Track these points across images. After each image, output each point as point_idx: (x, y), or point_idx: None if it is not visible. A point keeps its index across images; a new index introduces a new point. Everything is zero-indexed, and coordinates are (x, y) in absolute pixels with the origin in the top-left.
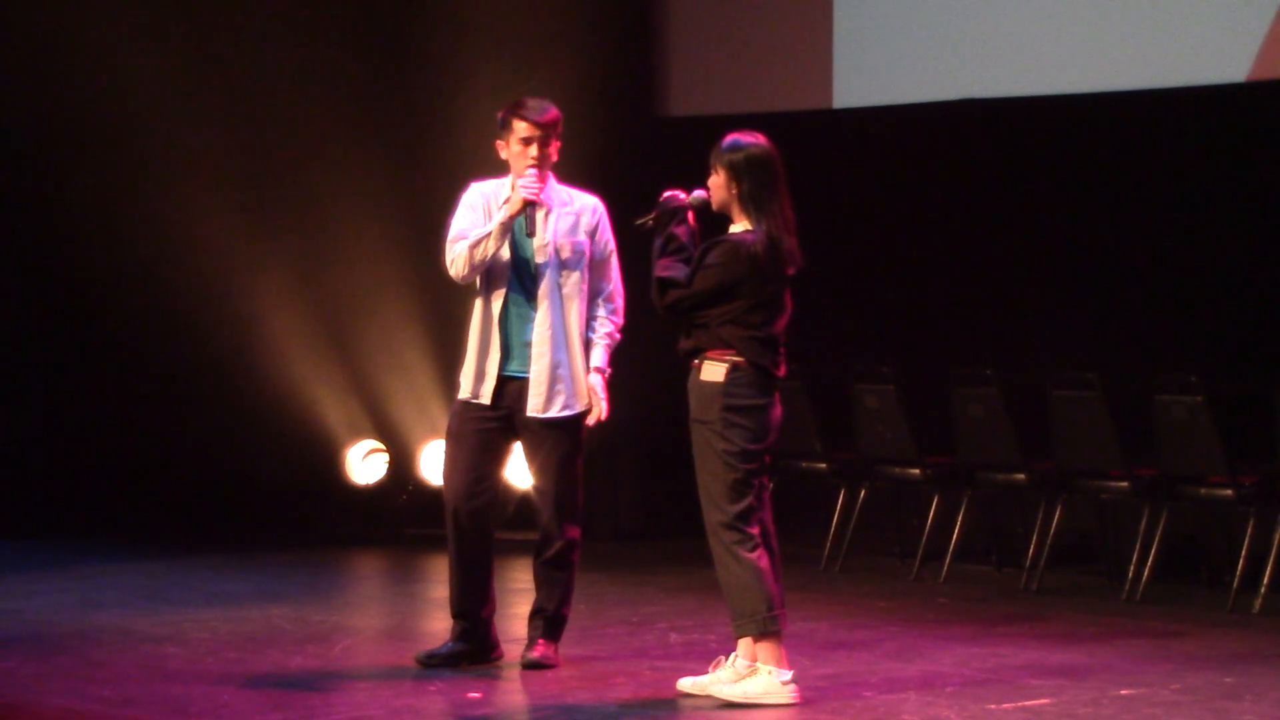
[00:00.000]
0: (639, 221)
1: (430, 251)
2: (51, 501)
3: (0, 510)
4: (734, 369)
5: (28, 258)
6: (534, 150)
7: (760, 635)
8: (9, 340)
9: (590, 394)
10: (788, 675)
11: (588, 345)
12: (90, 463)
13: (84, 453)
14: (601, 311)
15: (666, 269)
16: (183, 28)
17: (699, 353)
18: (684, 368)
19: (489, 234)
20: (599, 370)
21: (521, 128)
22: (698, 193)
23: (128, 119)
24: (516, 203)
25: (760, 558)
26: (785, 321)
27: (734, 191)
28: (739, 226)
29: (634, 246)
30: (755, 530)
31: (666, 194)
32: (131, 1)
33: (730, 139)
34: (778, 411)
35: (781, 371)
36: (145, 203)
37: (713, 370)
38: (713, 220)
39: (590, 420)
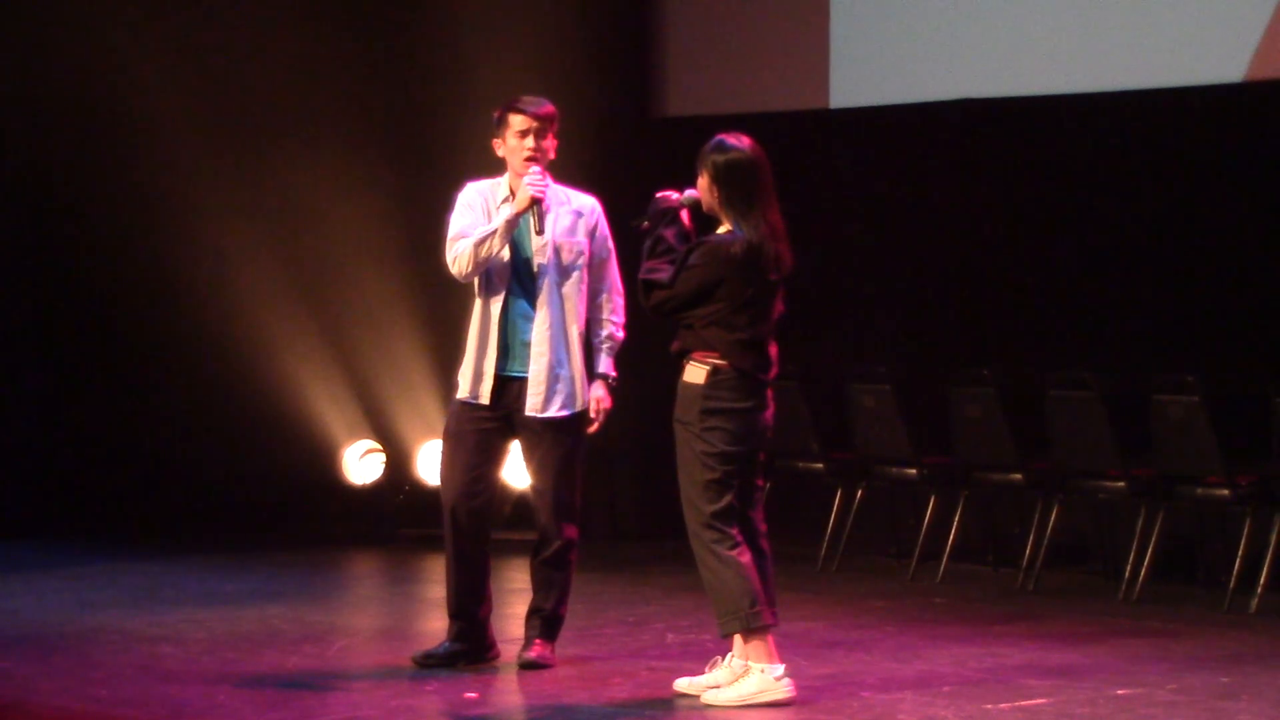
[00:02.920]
0: (634, 224)
1: (428, 251)
2: (48, 502)
3: None
4: (715, 372)
5: (26, 258)
6: (530, 143)
7: (746, 632)
8: (7, 340)
9: (595, 402)
10: (779, 670)
11: (590, 350)
12: (87, 463)
13: (81, 453)
14: (602, 314)
15: (651, 271)
16: (180, 25)
17: (686, 354)
18: (677, 368)
19: (494, 232)
20: (603, 377)
21: (518, 121)
22: (690, 192)
23: (126, 118)
24: (523, 200)
25: (740, 554)
26: (773, 325)
27: (716, 195)
28: (725, 228)
29: (633, 247)
30: (735, 530)
31: (659, 194)
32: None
33: (715, 141)
34: (766, 414)
35: (770, 374)
36: (144, 203)
37: (694, 372)
38: (708, 218)
39: (591, 429)
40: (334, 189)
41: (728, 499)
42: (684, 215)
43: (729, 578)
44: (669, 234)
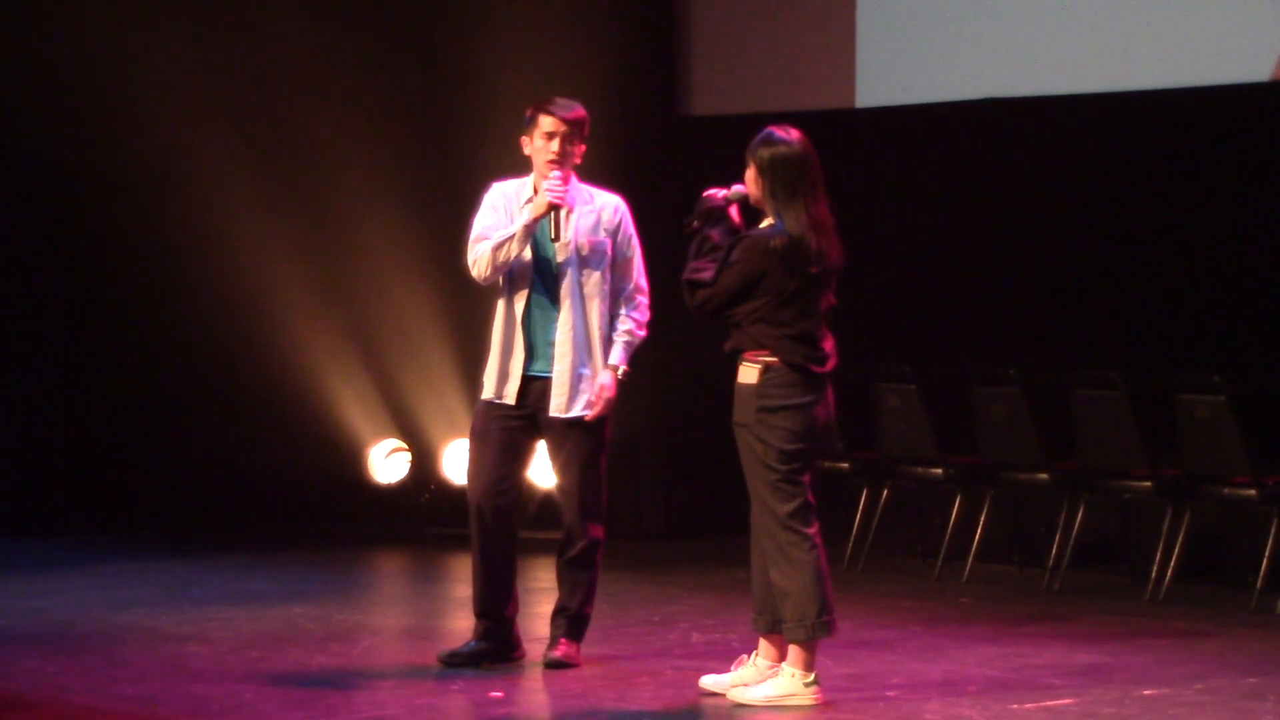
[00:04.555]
0: (684, 224)
1: (453, 251)
2: (74, 501)
3: (25, 509)
4: (767, 370)
5: (49, 258)
6: (555, 145)
7: (806, 641)
8: (33, 339)
9: (599, 389)
10: (810, 677)
11: (609, 343)
12: (114, 462)
13: (107, 452)
14: (624, 310)
15: (694, 271)
16: (204, 24)
17: (738, 354)
18: (727, 368)
19: (512, 236)
20: (612, 368)
21: (547, 122)
22: (736, 187)
23: (147, 117)
24: (541, 205)
25: (817, 559)
26: (822, 318)
27: (763, 187)
28: (767, 222)
29: (659, 246)
30: (812, 529)
31: (706, 193)
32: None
33: (764, 134)
34: (822, 410)
35: (826, 367)
36: (168, 203)
37: (747, 373)
38: (757, 212)
39: (589, 415)
40: (360, 188)
41: (800, 498)
42: (732, 211)
43: (802, 583)
44: (715, 234)
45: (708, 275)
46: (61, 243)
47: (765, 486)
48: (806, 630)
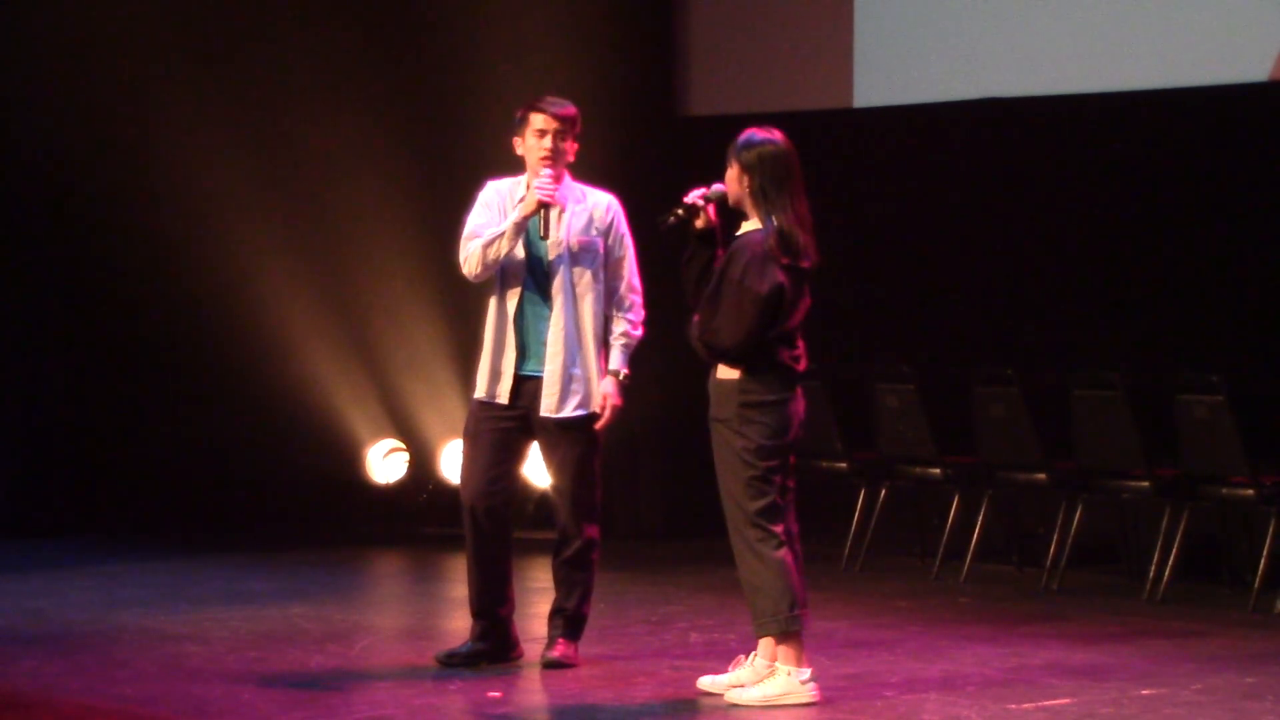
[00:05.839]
0: (659, 220)
1: (451, 252)
2: (73, 500)
3: (23, 509)
4: (750, 367)
5: (51, 259)
6: (547, 142)
7: (782, 635)
8: (33, 339)
9: (603, 399)
10: (806, 674)
11: (605, 346)
12: (112, 462)
13: (106, 452)
14: (618, 311)
15: (710, 332)
16: (202, 26)
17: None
18: (705, 366)
19: (502, 233)
20: (613, 373)
21: (538, 120)
22: (716, 186)
23: (147, 118)
24: (531, 203)
25: (785, 555)
26: (802, 316)
27: (746, 185)
28: (750, 224)
29: (654, 245)
30: (779, 528)
31: (687, 197)
32: (153, 1)
33: (745, 134)
34: (798, 407)
35: (801, 366)
36: (169, 206)
37: (728, 369)
38: (733, 213)
39: (598, 425)
40: (358, 189)
41: (771, 496)
42: (710, 210)
43: (770, 578)
44: (700, 260)
45: (725, 336)
46: (62, 245)
47: (739, 482)
48: (779, 624)
